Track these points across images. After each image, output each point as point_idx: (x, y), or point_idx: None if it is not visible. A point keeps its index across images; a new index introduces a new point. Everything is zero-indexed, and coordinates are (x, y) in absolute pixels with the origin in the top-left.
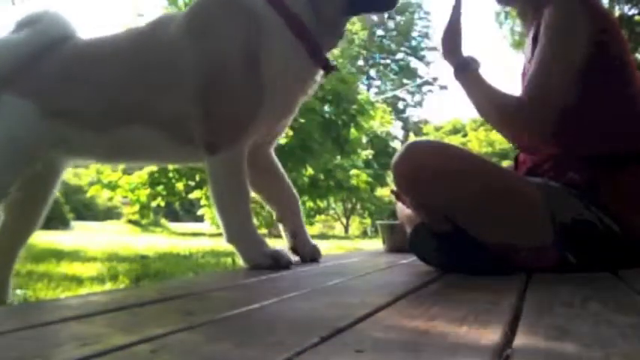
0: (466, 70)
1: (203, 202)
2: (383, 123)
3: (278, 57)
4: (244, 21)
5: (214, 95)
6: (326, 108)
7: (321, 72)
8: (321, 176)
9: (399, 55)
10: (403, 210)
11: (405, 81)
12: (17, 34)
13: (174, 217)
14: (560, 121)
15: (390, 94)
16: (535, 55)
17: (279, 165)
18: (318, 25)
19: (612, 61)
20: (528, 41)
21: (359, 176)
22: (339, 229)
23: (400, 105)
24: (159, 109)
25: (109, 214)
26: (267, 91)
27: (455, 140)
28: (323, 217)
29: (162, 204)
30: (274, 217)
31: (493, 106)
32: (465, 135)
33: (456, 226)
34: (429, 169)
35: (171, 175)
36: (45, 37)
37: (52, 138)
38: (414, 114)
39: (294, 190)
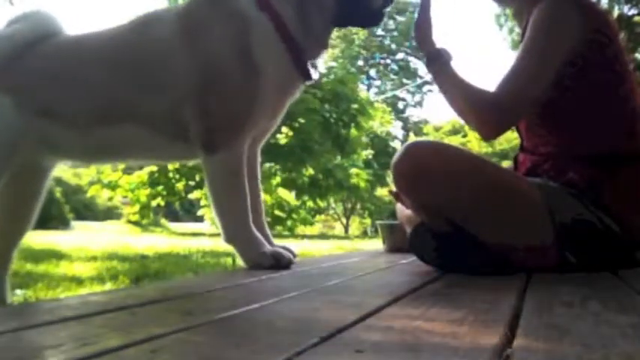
0: (437, 61)
1: (203, 202)
2: (383, 123)
3: (268, 58)
4: (236, 22)
5: (212, 95)
6: (326, 107)
7: (303, 82)
8: (321, 176)
9: (399, 55)
10: (403, 210)
11: (405, 81)
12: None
13: (174, 217)
14: (556, 120)
15: (390, 94)
16: (521, 47)
17: (259, 168)
18: (305, 34)
19: (607, 60)
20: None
21: (359, 175)
22: (339, 229)
23: (400, 105)
24: (149, 108)
25: (109, 214)
26: (261, 90)
27: (455, 140)
28: (323, 217)
29: (162, 204)
30: None
31: (468, 100)
32: (464, 135)
33: (456, 226)
34: (429, 170)
35: (171, 175)
36: (28, 33)
37: (35, 136)
38: (414, 114)
39: (262, 197)
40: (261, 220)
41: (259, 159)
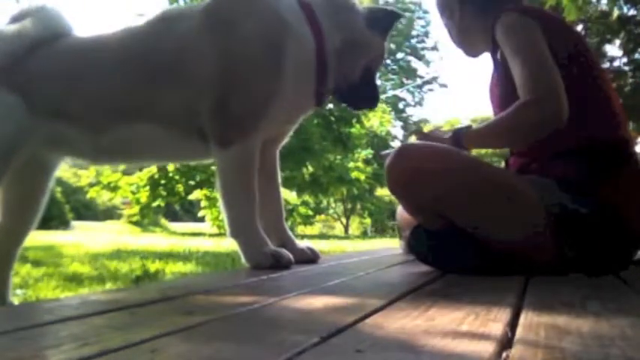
0: (462, 134)
1: (203, 202)
2: (383, 123)
3: (298, 69)
4: (271, 21)
5: (233, 89)
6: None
7: (314, 106)
8: (321, 172)
9: (399, 55)
10: (402, 213)
11: (405, 81)
12: (8, 27)
13: (174, 217)
14: None
15: (390, 93)
16: (511, 59)
17: (278, 171)
18: (334, 66)
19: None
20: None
21: (359, 167)
22: (339, 229)
23: (400, 105)
24: (166, 105)
25: (109, 213)
26: (281, 91)
27: None
28: (323, 217)
29: (163, 205)
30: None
31: (511, 131)
32: None
33: (454, 225)
34: (422, 170)
35: (171, 175)
36: (38, 31)
37: (45, 136)
38: (414, 114)
39: (282, 199)
40: (281, 221)
41: (278, 160)
